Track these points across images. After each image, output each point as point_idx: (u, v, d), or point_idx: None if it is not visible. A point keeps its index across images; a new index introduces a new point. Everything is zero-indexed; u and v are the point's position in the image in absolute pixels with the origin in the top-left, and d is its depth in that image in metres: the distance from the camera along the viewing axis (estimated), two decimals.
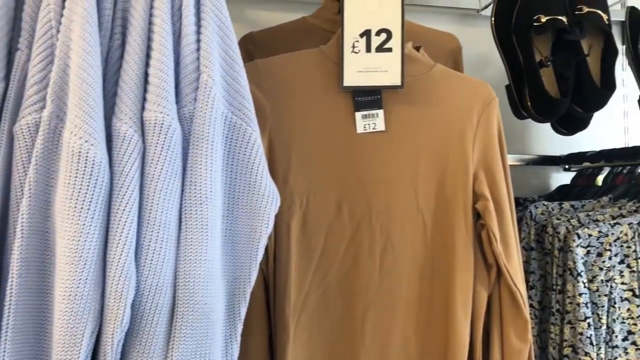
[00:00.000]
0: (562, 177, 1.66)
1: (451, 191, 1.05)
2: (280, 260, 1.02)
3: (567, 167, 1.61)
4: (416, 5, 1.55)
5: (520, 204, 1.45)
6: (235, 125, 0.88)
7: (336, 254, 1.05)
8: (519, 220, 1.29)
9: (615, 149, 1.39)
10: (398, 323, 1.04)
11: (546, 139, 1.63)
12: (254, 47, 1.34)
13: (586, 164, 1.50)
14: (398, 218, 1.05)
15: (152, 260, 0.79)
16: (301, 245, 1.03)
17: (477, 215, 1.06)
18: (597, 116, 1.61)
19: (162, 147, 0.81)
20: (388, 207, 1.05)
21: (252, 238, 0.88)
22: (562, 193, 1.50)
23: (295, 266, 1.02)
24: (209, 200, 0.83)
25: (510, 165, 1.62)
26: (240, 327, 0.88)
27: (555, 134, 1.45)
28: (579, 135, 1.59)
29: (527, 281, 1.23)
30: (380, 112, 1.06)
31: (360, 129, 1.06)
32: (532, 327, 1.20)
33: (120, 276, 0.76)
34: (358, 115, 1.06)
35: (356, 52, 1.05)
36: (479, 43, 1.50)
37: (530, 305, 1.21)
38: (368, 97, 1.06)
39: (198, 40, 0.86)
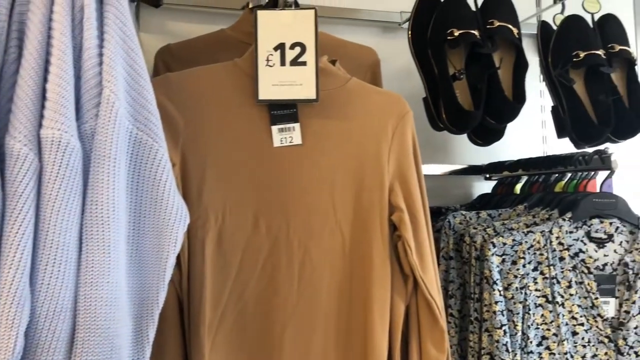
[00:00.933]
0: (484, 186, 1.70)
1: (368, 203, 1.05)
2: (194, 279, 0.99)
3: (487, 176, 1.65)
4: (338, 18, 1.56)
5: (443, 213, 1.47)
6: (140, 141, 0.85)
7: (253, 270, 1.03)
8: (439, 230, 1.31)
9: (531, 158, 1.44)
10: (317, 338, 1.03)
11: (470, 149, 1.67)
12: (171, 60, 1.31)
13: (505, 173, 1.54)
14: (316, 231, 1.05)
15: (49, 284, 0.76)
16: (217, 262, 1.01)
17: (394, 227, 1.06)
18: (517, 126, 1.67)
19: (60, 166, 0.77)
20: (306, 221, 1.05)
21: (160, 258, 0.85)
22: (483, 201, 1.54)
23: (210, 285, 1.00)
24: (112, 220, 0.80)
25: (433, 175, 1.68)
26: (148, 351, 0.85)
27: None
28: (501, 145, 1.64)
29: (446, 290, 1.26)
30: (297, 125, 1.06)
31: (276, 143, 1.05)
32: (453, 336, 1.22)
33: (12, 302, 0.72)
34: (274, 128, 1.05)
35: (271, 66, 1.04)
36: (401, 56, 1.52)
37: (450, 314, 1.23)
38: (284, 111, 1.06)
39: (100, 54, 0.83)
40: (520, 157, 1.48)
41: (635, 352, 1.15)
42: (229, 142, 1.04)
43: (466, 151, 1.70)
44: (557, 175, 1.38)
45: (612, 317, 1.17)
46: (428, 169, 1.64)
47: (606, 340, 1.15)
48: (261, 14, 1.05)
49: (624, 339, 1.15)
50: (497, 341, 1.11)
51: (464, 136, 1.48)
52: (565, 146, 1.45)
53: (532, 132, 1.76)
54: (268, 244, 1.04)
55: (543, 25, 1.43)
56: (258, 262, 1.03)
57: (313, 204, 1.05)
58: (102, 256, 0.78)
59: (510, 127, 1.55)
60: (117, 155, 0.81)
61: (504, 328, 1.12)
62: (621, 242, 1.20)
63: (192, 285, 1.00)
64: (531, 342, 1.13)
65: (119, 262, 0.81)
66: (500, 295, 1.13)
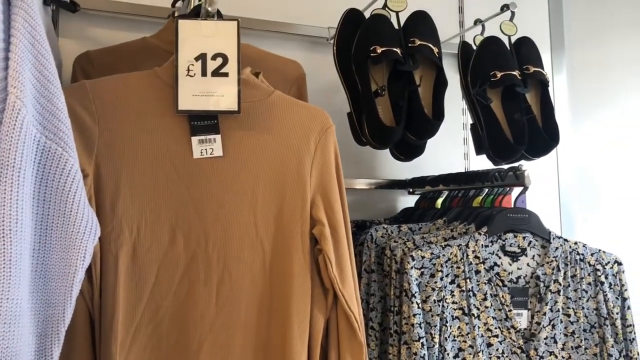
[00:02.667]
0: (407, 200, 1.74)
1: (289, 217, 1.05)
2: (106, 294, 0.96)
3: (411, 190, 1.69)
4: (266, 30, 1.56)
5: (367, 226, 1.49)
6: (49, 150, 0.81)
7: (170, 285, 1.00)
8: (362, 243, 1.32)
9: (451, 174, 1.48)
10: (235, 354, 1.01)
11: (395, 165, 1.71)
12: (90, 67, 1.27)
13: (427, 187, 1.58)
14: (236, 246, 1.03)
15: None
16: (131, 277, 0.98)
17: (315, 241, 1.07)
18: (441, 143, 1.72)
19: None
20: (226, 235, 1.03)
21: (67, 273, 0.82)
22: (406, 215, 1.57)
23: (124, 300, 0.96)
24: (14, 233, 0.76)
25: (359, 189, 1.70)
26: None
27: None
28: (425, 161, 1.68)
29: (368, 303, 1.27)
30: (218, 137, 1.05)
31: (196, 154, 1.03)
32: (373, 349, 1.23)
33: None
34: (194, 140, 1.03)
35: (191, 76, 1.03)
36: (328, 70, 1.53)
37: (371, 327, 1.24)
38: (204, 122, 1.04)
39: (6, 59, 0.79)
40: (443, 172, 1.52)
41: None
42: (146, 153, 1.01)
43: (392, 166, 1.73)
44: (475, 190, 1.42)
45: (525, 329, 1.21)
46: (354, 183, 1.66)
47: (519, 351, 1.19)
48: (182, 23, 1.03)
49: (535, 349, 1.19)
50: (415, 354, 1.13)
51: (389, 151, 1.51)
52: (485, 163, 1.50)
53: (455, 149, 1.82)
54: (186, 259, 1.01)
55: (464, 46, 1.49)
56: (175, 277, 1.01)
57: (233, 217, 1.03)
58: (3, 271, 0.74)
59: (434, 143, 1.60)
60: (22, 165, 0.77)
61: (421, 340, 1.13)
62: (534, 255, 1.25)
63: (105, 301, 0.96)
64: (448, 354, 1.16)
65: (22, 278, 0.76)
66: (419, 307, 1.15)
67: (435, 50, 1.26)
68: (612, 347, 1.21)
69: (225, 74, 1.04)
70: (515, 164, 1.31)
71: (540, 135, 1.36)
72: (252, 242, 1.03)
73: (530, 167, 1.33)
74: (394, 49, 1.20)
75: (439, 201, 1.56)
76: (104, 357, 0.94)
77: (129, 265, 0.98)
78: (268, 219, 1.04)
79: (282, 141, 1.06)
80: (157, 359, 0.99)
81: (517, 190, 1.33)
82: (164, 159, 1.02)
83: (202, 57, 1.03)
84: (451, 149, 1.81)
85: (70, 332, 0.93)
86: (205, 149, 1.04)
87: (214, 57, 1.04)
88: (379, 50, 1.21)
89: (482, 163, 1.57)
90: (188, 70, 1.03)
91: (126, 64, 1.23)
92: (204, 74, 1.03)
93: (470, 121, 1.47)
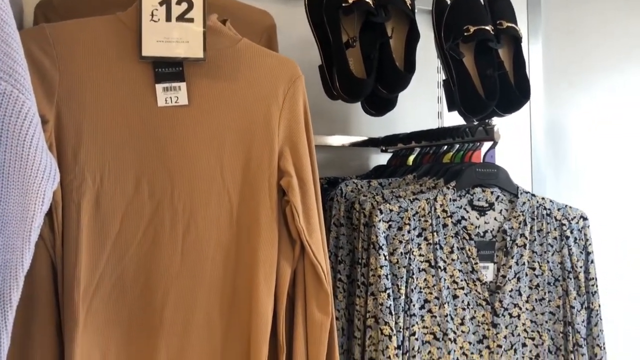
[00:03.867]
0: (380, 158, 1.74)
1: (256, 168, 1.04)
2: (68, 242, 0.94)
3: (384, 148, 1.68)
4: None
5: (339, 183, 1.48)
6: (4, 92, 0.79)
7: (134, 235, 0.99)
8: (332, 198, 1.32)
9: (422, 130, 1.48)
10: (201, 303, 1.01)
11: (368, 123, 1.70)
12: (52, 13, 1.23)
13: (400, 145, 1.57)
14: (203, 196, 1.02)
15: None
16: (94, 226, 0.97)
17: (283, 192, 1.06)
18: (414, 102, 1.71)
19: None
20: (192, 185, 1.02)
21: (25, 217, 0.80)
22: (378, 172, 1.57)
23: (86, 248, 0.95)
24: None
25: (332, 147, 1.69)
26: (11, 316, 0.79)
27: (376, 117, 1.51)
28: (399, 120, 1.67)
29: (336, 256, 1.27)
30: (183, 85, 1.02)
31: (161, 102, 1.01)
32: (341, 301, 1.24)
33: None
34: (159, 87, 1.01)
35: (155, 21, 1.00)
36: (301, 25, 1.50)
37: (339, 279, 1.25)
38: (169, 69, 1.02)
39: None
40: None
41: (510, 314, 1.22)
42: (109, 100, 0.99)
43: (365, 124, 1.72)
44: (446, 147, 1.42)
45: (490, 281, 1.23)
46: (327, 140, 1.65)
47: (484, 303, 1.21)
48: None
49: (500, 301, 1.21)
50: (382, 304, 1.14)
51: (361, 106, 1.50)
52: (459, 122, 1.49)
53: (429, 108, 1.81)
54: (150, 208, 1.00)
55: (438, 1, 1.46)
56: (140, 226, 1.00)
57: (200, 167, 1.02)
58: None
59: (409, 102, 1.59)
60: None
61: (388, 291, 1.15)
62: (501, 210, 1.26)
63: (67, 249, 0.95)
64: (414, 305, 1.17)
65: None
66: (386, 260, 1.16)
67: (408, 1, 1.24)
68: (575, 299, 1.24)
69: (191, 20, 1.01)
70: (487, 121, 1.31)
71: (512, 91, 1.36)
72: (218, 191, 1.02)
73: (502, 124, 1.33)
74: (366, 0, 1.18)
75: (411, 158, 1.56)
76: (66, 305, 0.94)
77: (92, 214, 0.96)
78: (235, 169, 1.03)
79: (250, 90, 1.04)
80: (121, 308, 0.99)
81: (487, 146, 1.33)
82: (128, 106, 1.00)
83: (166, 2, 1.00)
84: (425, 108, 1.80)
85: (32, 279, 0.92)
86: (170, 97, 1.02)
87: (178, 2, 1.01)
88: (351, 0, 1.19)
89: (455, 122, 1.57)
90: (152, 15, 1.00)
91: (89, 10, 1.19)
92: (168, 19, 1.00)
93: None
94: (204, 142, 1.03)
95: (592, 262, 1.27)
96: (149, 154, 1.01)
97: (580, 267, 1.26)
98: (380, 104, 1.34)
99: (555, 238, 1.26)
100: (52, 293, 0.95)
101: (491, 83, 1.34)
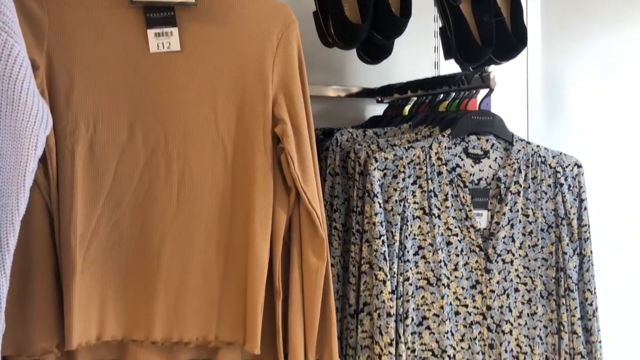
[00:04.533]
0: (376, 109, 1.73)
1: (251, 115, 1.03)
2: (64, 189, 0.95)
3: (379, 99, 1.67)
4: None
5: (334, 134, 1.48)
6: None
7: (130, 181, 1.00)
8: (327, 148, 1.32)
9: (418, 80, 1.47)
10: (198, 250, 1.03)
11: (364, 73, 1.68)
12: None
13: (396, 95, 1.57)
14: (197, 142, 1.02)
15: None
16: (88, 172, 0.97)
17: (277, 140, 1.06)
18: (411, 52, 1.69)
19: None
20: (186, 131, 1.02)
21: (18, 162, 0.80)
22: (373, 123, 1.56)
23: (82, 195, 0.96)
24: None
25: (328, 97, 1.68)
26: (9, 260, 0.80)
27: (372, 67, 1.49)
28: (395, 71, 1.66)
29: (332, 205, 1.28)
30: (175, 30, 1.01)
31: (153, 49, 1.00)
32: (336, 248, 1.25)
33: None
34: (150, 33, 1.00)
35: None
36: None
37: (335, 227, 1.26)
38: (160, 14, 1.00)
39: None
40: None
41: (503, 260, 1.23)
42: (100, 45, 0.97)
43: (361, 74, 1.71)
44: (442, 96, 1.41)
45: (484, 228, 1.24)
46: (323, 90, 1.64)
47: (477, 249, 1.23)
48: None
49: (494, 247, 1.23)
50: (376, 250, 1.16)
51: (358, 59, 1.48)
52: (455, 71, 1.48)
53: (426, 58, 1.79)
54: (145, 155, 1.00)
55: None
56: (134, 173, 1.00)
57: (193, 114, 1.02)
58: None
59: (405, 52, 1.57)
60: None
61: (382, 238, 1.16)
62: (496, 158, 1.26)
63: (62, 195, 0.95)
64: (408, 251, 1.19)
65: None
66: (380, 207, 1.17)
67: None
68: (567, 245, 1.25)
69: None
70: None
71: (509, 38, 1.34)
72: (212, 138, 1.02)
73: (499, 72, 1.32)
74: None
75: (407, 108, 1.55)
76: (64, 251, 0.95)
77: (86, 161, 0.96)
78: (229, 116, 1.03)
79: (243, 36, 1.03)
80: (119, 254, 1.00)
81: (483, 94, 1.32)
82: (119, 52, 0.99)
83: None
84: (421, 59, 1.78)
85: (28, 226, 0.93)
86: (162, 43, 1.00)
87: None
88: None
89: (452, 71, 1.56)
90: None
91: None
92: None
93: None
94: (197, 88, 1.02)
95: (585, 209, 1.28)
96: (142, 101, 1.00)
97: (574, 214, 1.27)
98: (376, 52, 1.32)
99: (549, 185, 1.27)
100: (49, 239, 0.96)
101: (488, 30, 1.32)
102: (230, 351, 1.06)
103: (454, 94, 1.38)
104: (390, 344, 1.14)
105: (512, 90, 1.85)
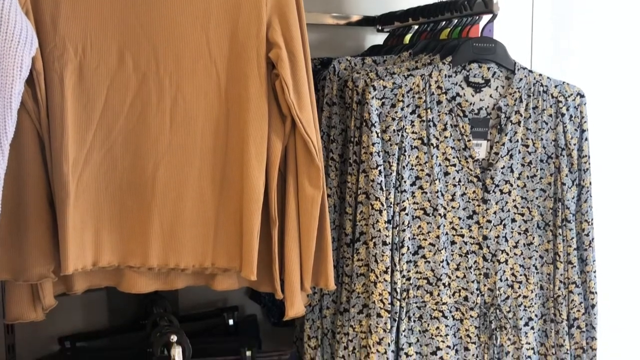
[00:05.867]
0: (377, 39, 1.68)
1: (244, 38, 1.00)
2: (54, 115, 0.93)
3: (380, 28, 1.62)
4: None
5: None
6: None
7: (121, 108, 0.98)
8: (325, 78, 1.29)
9: (419, 6, 1.42)
10: (192, 176, 1.02)
11: (366, 0, 1.63)
12: None
13: (397, 23, 1.52)
14: (189, 68, 1.00)
15: None
16: (79, 98, 0.95)
17: (272, 66, 1.03)
18: None
19: None
20: (177, 57, 0.99)
21: (4, 83, 0.78)
22: (373, 52, 1.52)
23: (73, 122, 0.94)
24: None
25: (326, 26, 1.63)
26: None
27: None
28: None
29: (329, 135, 1.26)
30: None
31: None
32: (333, 179, 1.25)
33: None
34: None
35: None
36: None
37: (332, 158, 1.25)
38: None
39: None
40: None
41: (501, 190, 1.22)
42: None
43: (360, 1, 1.65)
44: (444, 23, 1.37)
45: (483, 159, 1.23)
46: (321, 18, 1.59)
47: (475, 180, 1.22)
48: None
49: (492, 178, 1.22)
50: (373, 180, 1.15)
51: None
52: None
53: None
54: (136, 81, 0.98)
55: None
56: (126, 99, 0.98)
57: (184, 38, 0.99)
58: None
59: None
60: None
61: (379, 168, 1.15)
62: (497, 87, 1.23)
63: (52, 121, 0.94)
64: (405, 181, 1.18)
65: None
66: (378, 137, 1.15)
67: None
68: (566, 176, 1.24)
69: None
70: None
71: None
72: (205, 64, 1.00)
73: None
74: None
75: (407, 37, 1.51)
76: (56, 178, 0.94)
77: (76, 86, 0.94)
78: (221, 40, 1.00)
79: None
80: (112, 181, 0.99)
81: (486, 21, 1.28)
82: None
83: None
84: None
85: (19, 151, 0.92)
86: None
87: None
88: None
89: None
90: None
91: None
92: None
93: None
94: (188, 12, 0.98)
95: (586, 139, 1.26)
96: (132, 26, 0.97)
97: (574, 144, 1.25)
98: None
99: (550, 115, 1.24)
100: (42, 166, 0.95)
101: None
102: (227, 278, 1.07)
103: (456, 20, 1.33)
104: (386, 272, 1.15)
105: (515, 16, 1.79)
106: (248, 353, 1.21)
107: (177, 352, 0.99)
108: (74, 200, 0.94)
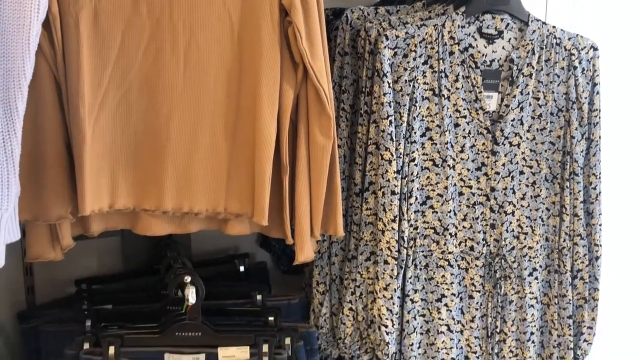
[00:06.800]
0: None
1: None
2: (70, 58, 0.94)
3: None
4: None
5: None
6: None
7: (136, 52, 0.99)
8: (337, 29, 1.29)
9: None
10: (206, 122, 1.03)
11: None
12: None
13: None
14: (202, 15, 1.00)
15: None
16: (94, 42, 0.96)
17: (285, 13, 1.03)
18: None
19: None
20: (191, 3, 0.99)
21: (22, 25, 0.80)
22: (387, 2, 1.51)
23: (89, 65, 0.95)
24: None
25: None
26: (19, 123, 0.82)
27: None
28: None
29: (340, 86, 1.27)
30: None
31: None
32: (344, 129, 1.26)
33: None
34: None
35: None
36: None
37: (343, 109, 1.26)
38: None
39: None
40: None
41: (510, 142, 1.23)
42: None
43: None
44: None
45: (493, 111, 1.23)
46: None
47: (485, 132, 1.22)
48: None
49: (501, 130, 1.22)
50: (383, 131, 1.16)
51: None
52: None
53: None
54: (150, 26, 0.99)
55: None
56: (140, 44, 0.99)
57: None
58: None
59: None
60: None
61: (390, 119, 1.16)
62: (510, 38, 1.22)
63: (69, 66, 0.95)
64: (415, 132, 1.19)
65: None
66: (389, 87, 1.16)
67: None
68: (576, 129, 1.25)
69: None
70: None
71: None
72: (218, 10, 1.00)
73: None
74: None
75: None
76: (73, 121, 0.96)
77: (91, 29, 0.95)
78: None
79: None
80: (127, 126, 1.01)
81: None
82: None
83: None
84: None
85: (37, 95, 0.94)
86: None
87: None
88: None
89: None
90: None
91: None
92: None
93: None
94: None
95: (597, 93, 1.26)
96: None
97: (585, 98, 1.25)
98: None
99: (562, 68, 1.24)
100: (59, 110, 0.97)
101: None
102: (239, 223, 1.10)
103: None
104: (393, 220, 1.17)
105: None
106: (259, 297, 1.25)
107: (190, 292, 1.03)
108: (91, 144, 0.97)
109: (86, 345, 1.05)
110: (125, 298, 1.28)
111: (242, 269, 1.44)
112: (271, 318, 1.14)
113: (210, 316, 1.12)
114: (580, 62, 1.24)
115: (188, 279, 1.04)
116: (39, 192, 0.96)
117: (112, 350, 1.03)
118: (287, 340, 1.08)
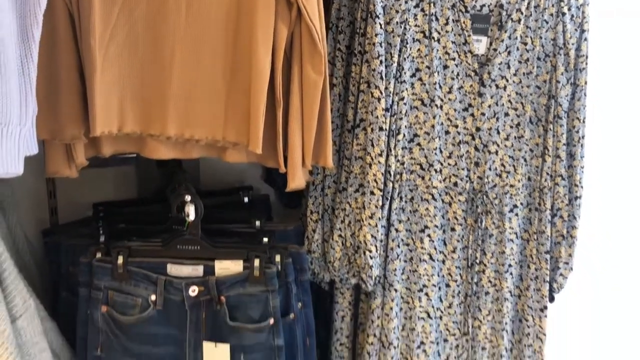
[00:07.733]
0: None
1: None
2: None
3: None
4: None
5: None
6: None
7: None
8: None
9: None
10: (206, 59, 1.12)
11: None
12: None
13: None
14: None
15: None
16: None
17: None
18: None
19: None
20: None
21: None
22: None
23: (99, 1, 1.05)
24: None
25: None
26: (35, 49, 0.92)
27: None
28: None
29: (337, 27, 1.34)
30: None
31: None
32: (339, 69, 1.33)
33: None
34: None
35: None
36: None
37: (339, 49, 1.33)
38: None
39: None
40: None
41: (496, 85, 1.30)
42: None
43: None
44: None
45: (482, 54, 1.29)
46: None
47: (473, 74, 1.29)
48: None
49: (489, 73, 1.29)
50: (374, 70, 1.23)
51: None
52: None
53: None
54: None
55: None
56: None
57: None
58: None
59: None
60: None
61: (380, 58, 1.23)
62: None
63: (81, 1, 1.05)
64: (405, 72, 1.26)
65: None
66: (381, 28, 1.23)
67: None
68: (562, 74, 1.30)
69: None
70: None
71: None
72: None
73: None
74: None
75: None
76: (85, 51, 1.06)
77: None
78: None
79: None
80: (134, 59, 1.10)
81: None
82: None
83: None
84: None
85: (51, 25, 1.04)
86: None
87: None
88: None
89: None
90: None
91: None
92: None
93: None
94: None
95: (585, 39, 1.31)
96: None
97: (573, 44, 1.30)
98: None
99: (551, 14, 1.29)
100: (72, 40, 1.07)
101: None
102: (236, 151, 1.20)
103: None
104: (380, 155, 1.26)
105: None
106: (257, 222, 1.36)
107: (190, 209, 1.14)
108: (101, 73, 1.07)
109: (98, 255, 1.18)
110: (137, 219, 1.41)
111: (246, 200, 1.55)
112: (265, 239, 1.25)
113: (212, 236, 1.24)
114: (569, 9, 1.29)
115: (188, 197, 1.15)
116: (55, 114, 1.07)
117: (120, 259, 1.16)
118: (277, 258, 1.20)
